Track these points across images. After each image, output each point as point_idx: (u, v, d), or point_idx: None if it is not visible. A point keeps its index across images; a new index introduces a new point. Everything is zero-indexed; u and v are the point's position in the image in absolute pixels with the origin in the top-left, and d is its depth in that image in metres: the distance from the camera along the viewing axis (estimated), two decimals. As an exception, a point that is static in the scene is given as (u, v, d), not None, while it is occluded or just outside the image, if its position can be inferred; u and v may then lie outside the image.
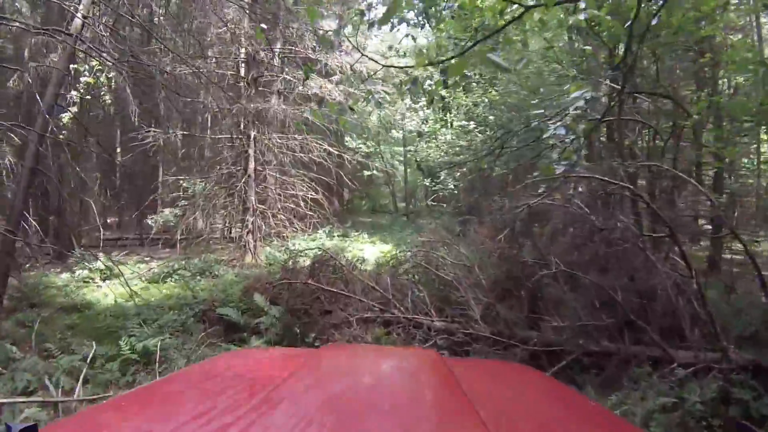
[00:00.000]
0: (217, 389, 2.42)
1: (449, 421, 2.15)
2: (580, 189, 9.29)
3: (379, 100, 17.93)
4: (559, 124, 5.48)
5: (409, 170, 37.96)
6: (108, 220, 26.59)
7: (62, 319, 11.84)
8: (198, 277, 15.37)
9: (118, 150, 22.51)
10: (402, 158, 36.59)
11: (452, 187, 16.16)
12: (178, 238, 17.19)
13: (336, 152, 18.57)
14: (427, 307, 9.34)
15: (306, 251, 13.43)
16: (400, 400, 2.36)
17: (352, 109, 5.99)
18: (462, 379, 2.56)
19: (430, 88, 7.16)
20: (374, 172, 33.52)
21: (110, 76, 11.54)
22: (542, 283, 8.54)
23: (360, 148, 29.80)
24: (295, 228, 17.91)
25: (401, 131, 35.95)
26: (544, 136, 6.82)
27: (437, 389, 2.65)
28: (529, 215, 9.03)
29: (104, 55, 10.45)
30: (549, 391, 2.91)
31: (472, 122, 15.83)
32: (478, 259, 9.97)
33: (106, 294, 13.94)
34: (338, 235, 21.68)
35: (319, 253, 11.85)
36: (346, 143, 27.64)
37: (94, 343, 9.08)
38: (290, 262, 12.08)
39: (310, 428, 1.88)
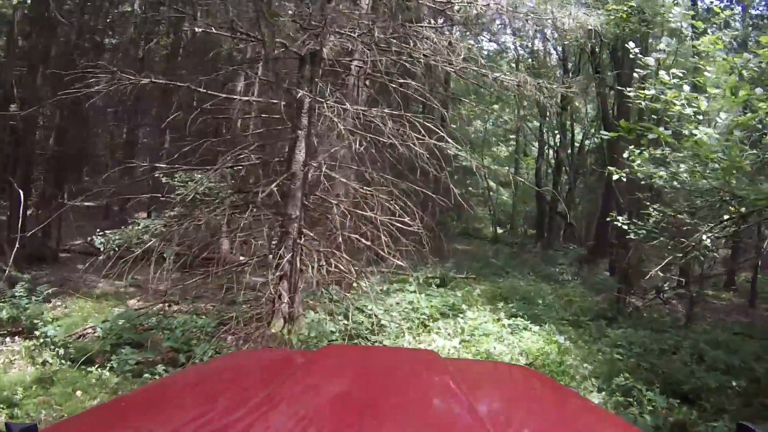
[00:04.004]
0: (217, 390, 2.34)
1: (449, 422, 2.01)
2: None
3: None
4: None
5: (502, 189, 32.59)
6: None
7: None
8: (165, 367, 7.35)
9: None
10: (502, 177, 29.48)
11: (707, 242, 7.40)
12: (169, 267, 8.69)
13: (450, 148, 9.75)
14: None
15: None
16: (400, 400, 2.20)
17: None
18: (462, 379, 2.37)
19: None
20: (470, 189, 27.83)
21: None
22: None
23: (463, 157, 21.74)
24: (370, 273, 9.47)
25: (512, 144, 29.21)
26: None
27: (437, 389, 2.51)
28: None
29: None
30: (549, 391, 2.81)
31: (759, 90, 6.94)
32: None
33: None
34: (434, 281, 13.21)
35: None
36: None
37: None
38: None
39: (309, 429, 1.82)
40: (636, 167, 7.89)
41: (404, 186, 9.91)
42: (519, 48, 26.78)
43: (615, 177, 8.13)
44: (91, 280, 12.10)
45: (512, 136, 30.69)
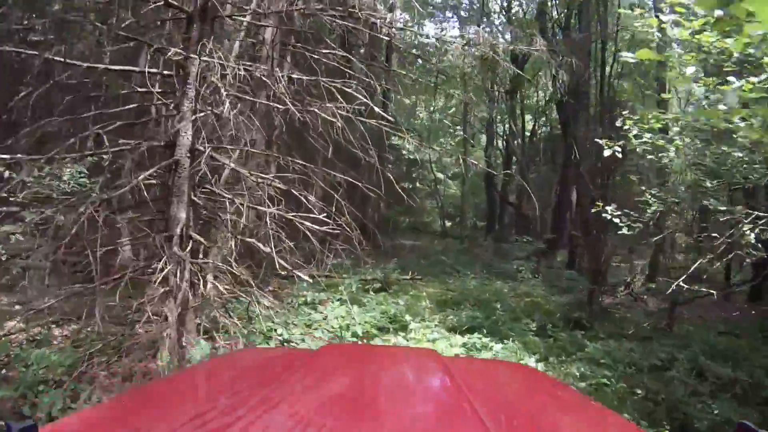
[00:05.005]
0: (217, 389, 2.27)
1: (449, 420, 1.97)
2: None
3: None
4: None
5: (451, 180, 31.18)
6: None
7: None
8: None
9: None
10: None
11: (751, 237, 5.48)
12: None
13: (387, 128, 7.78)
14: None
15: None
16: (400, 399, 2.23)
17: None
18: (462, 379, 2.34)
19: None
20: (417, 184, 27.49)
21: None
22: None
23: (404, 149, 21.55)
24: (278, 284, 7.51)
25: (459, 133, 27.43)
26: None
27: (437, 389, 2.51)
28: None
29: None
30: (549, 390, 2.77)
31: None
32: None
33: None
34: (372, 286, 11.23)
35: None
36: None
37: None
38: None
39: (309, 428, 1.75)
40: (632, 138, 6.00)
41: (339, 178, 7.98)
42: (467, 34, 25.26)
43: (607, 152, 6.15)
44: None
45: (459, 127, 28.98)
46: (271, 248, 6.13)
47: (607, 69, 18.10)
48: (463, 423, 1.83)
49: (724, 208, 6.44)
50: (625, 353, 8.08)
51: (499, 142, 28.44)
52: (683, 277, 6.84)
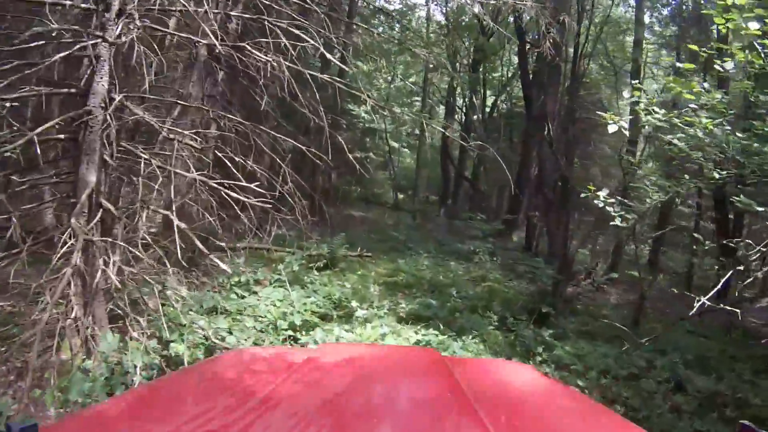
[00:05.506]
0: (217, 389, 2.23)
1: (449, 420, 1.97)
2: None
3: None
4: None
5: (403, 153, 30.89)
6: None
7: None
8: None
9: None
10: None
11: None
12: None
13: (342, 85, 6.83)
14: None
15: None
16: (400, 399, 2.25)
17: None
18: (462, 379, 2.35)
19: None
20: (371, 155, 25.27)
21: None
22: None
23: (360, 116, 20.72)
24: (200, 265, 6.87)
25: (417, 101, 26.53)
26: None
27: (437, 389, 2.41)
28: None
29: None
30: (549, 390, 2.75)
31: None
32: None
33: None
34: (316, 264, 10.22)
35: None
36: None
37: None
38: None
39: (309, 428, 1.77)
40: (641, 112, 5.16)
41: (285, 142, 7.02)
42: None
43: (612, 128, 5.23)
44: None
45: (417, 98, 28.07)
46: (177, 221, 5.07)
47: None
48: (464, 423, 1.86)
49: (762, 209, 5.50)
50: (598, 358, 7.32)
51: (458, 116, 27.64)
52: (711, 294, 5.96)
